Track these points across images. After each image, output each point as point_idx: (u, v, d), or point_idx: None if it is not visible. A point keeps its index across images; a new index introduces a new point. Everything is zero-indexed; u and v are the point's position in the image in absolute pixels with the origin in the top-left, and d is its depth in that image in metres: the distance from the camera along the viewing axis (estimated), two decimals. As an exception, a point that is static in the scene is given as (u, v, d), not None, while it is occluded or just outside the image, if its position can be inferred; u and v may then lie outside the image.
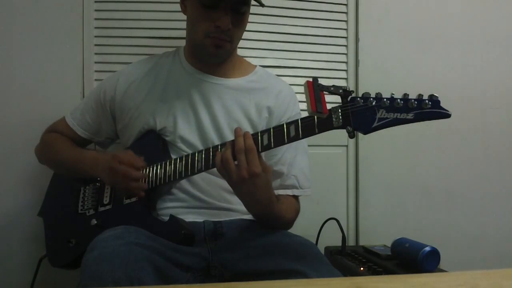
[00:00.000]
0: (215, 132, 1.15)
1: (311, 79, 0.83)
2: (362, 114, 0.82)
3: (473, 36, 1.75)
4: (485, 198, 1.74)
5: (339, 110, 0.84)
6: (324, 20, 1.65)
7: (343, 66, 1.67)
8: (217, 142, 1.13)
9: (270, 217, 1.05)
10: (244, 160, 0.91)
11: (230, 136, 1.12)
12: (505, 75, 1.76)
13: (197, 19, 1.12)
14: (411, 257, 1.15)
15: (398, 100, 0.80)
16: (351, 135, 0.84)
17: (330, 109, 0.85)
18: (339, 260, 1.31)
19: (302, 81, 1.57)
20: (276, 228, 1.08)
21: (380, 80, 1.67)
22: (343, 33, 1.67)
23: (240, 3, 1.09)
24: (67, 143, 1.26)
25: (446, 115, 0.79)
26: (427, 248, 1.14)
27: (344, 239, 1.37)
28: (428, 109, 0.79)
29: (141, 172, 1.07)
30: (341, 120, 0.84)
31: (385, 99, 0.80)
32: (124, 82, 1.22)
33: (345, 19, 1.67)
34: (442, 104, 0.79)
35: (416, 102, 0.79)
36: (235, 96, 1.18)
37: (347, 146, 1.66)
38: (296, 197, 1.18)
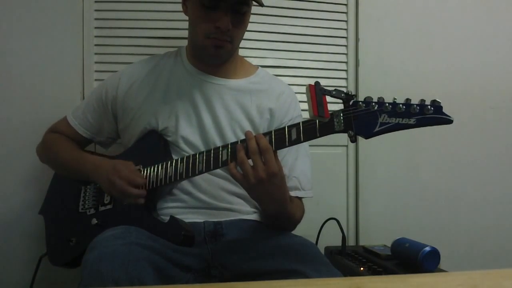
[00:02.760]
0: (216, 133, 1.15)
1: (313, 83, 0.83)
2: (364, 118, 0.81)
3: (473, 36, 1.75)
4: (485, 198, 1.74)
5: (341, 114, 0.84)
6: (324, 20, 1.65)
7: (343, 66, 1.67)
8: (218, 143, 1.13)
9: (284, 216, 1.05)
10: (261, 161, 0.91)
11: (231, 137, 1.13)
12: (505, 75, 1.76)
13: (197, 20, 1.12)
14: (411, 257, 1.15)
15: (400, 105, 0.79)
16: (353, 140, 0.83)
17: (331, 113, 0.85)
18: (339, 260, 1.31)
19: (302, 81, 1.60)
20: (285, 228, 1.08)
21: (380, 80, 1.67)
22: (343, 33, 1.67)
23: (240, 3, 1.09)
24: (68, 144, 1.26)
25: (448, 121, 0.78)
26: (427, 248, 1.14)
27: (344, 239, 1.37)
28: (430, 114, 0.78)
29: (139, 190, 1.05)
30: (342, 124, 0.84)
31: (387, 104, 0.80)
32: (126, 81, 1.22)
33: (345, 19, 1.67)
34: (442, 105, 0.79)
35: (418, 108, 0.78)
36: (236, 97, 1.18)
37: (347, 146, 1.66)
38: (299, 199, 1.18)
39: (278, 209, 1.03)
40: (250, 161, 0.92)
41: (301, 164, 1.18)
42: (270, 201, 0.99)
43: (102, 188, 1.14)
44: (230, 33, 1.10)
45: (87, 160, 1.18)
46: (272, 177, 0.91)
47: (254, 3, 1.14)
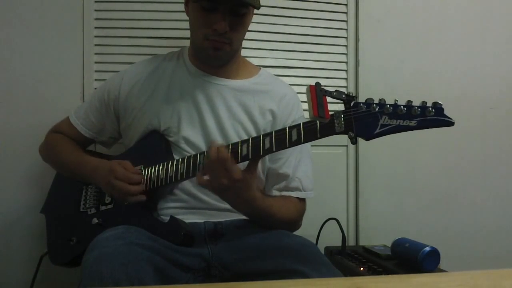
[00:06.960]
0: (219, 134, 1.15)
1: (313, 83, 0.82)
2: (365, 120, 0.81)
3: (473, 36, 1.75)
4: (485, 198, 1.74)
5: (342, 115, 0.84)
6: (324, 20, 1.65)
7: (343, 66, 1.67)
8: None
9: (260, 214, 1.06)
10: (222, 169, 0.91)
11: (234, 138, 1.13)
12: (505, 75, 1.76)
13: (197, 22, 1.12)
14: (411, 257, 1.16)
15: (402, 106, 0.79)
16: (353, 141, 0.83)
17: (332, 114, 0.84)
18: (339, 260, 1.31)
19: (302, 81, 1.60)
20: (277, 227, 1.08)
21: (380, 80, 1.66)
22: (343, 33, 1.67)
23: (238, 6, 1.09)
24: (69, 145, 1.26)
25: (449, 123, 0.78)
26: (427, 248, 1.14)
27: (344, 239, 1.37)
28: (431, 116, 0.77)
29: (138, 187, 1.06)
30: (343, 126, 0.83)
31: (388, 105, 0.79)
32: (128, 81, 1.22)
33: (345, 19, 1.67)
34: (442, 105, 0.79)
35: (419, 110, 0.78)
36: (239, 97, 1.18)
37: (347, 146, 1.66)
38: (300, 199, 1.18)
39: (248, 208, 1.04)
40: None
41: (304, 165, 1.19)
42: (236, 201, 1.01)
43: (103, 190, 1.14)
44: (228, 35, 1.10)
45: (86, 163, 1.18)
46: (236, 182, 0.92)
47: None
